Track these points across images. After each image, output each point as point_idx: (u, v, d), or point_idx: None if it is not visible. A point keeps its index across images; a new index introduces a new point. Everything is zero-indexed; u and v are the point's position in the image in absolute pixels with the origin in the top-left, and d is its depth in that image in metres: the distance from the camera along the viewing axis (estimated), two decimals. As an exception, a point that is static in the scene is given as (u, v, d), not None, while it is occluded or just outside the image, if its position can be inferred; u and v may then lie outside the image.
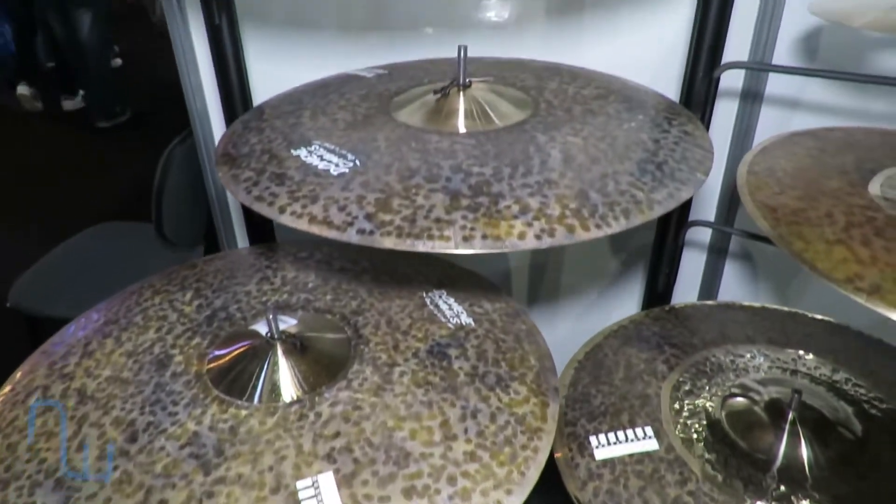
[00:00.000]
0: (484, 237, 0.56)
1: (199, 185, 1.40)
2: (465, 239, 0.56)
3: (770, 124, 1.03)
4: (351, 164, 0.66)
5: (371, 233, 0.57)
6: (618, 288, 1.28)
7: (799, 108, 1.04)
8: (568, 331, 1.32)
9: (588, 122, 0.74)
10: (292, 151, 0.70)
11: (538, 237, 0.56)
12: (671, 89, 0.95)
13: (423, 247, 0.56)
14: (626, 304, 1.25)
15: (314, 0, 1.04)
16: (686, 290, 1.21)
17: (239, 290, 0.85)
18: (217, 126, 1.24)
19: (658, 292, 1.02)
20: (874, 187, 0.78)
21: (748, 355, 0.87)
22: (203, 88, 1.20)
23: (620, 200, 0.61)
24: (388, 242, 0.56)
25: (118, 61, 4.11)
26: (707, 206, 1.17)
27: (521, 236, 0.56)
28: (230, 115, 0.97)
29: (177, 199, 1.39)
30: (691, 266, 1.21)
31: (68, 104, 3.70)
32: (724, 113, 1.02)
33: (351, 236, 0.57)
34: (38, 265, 1.58)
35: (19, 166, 3.14)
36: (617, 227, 0.58)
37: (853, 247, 0.68)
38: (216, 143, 1.28)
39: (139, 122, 3.54)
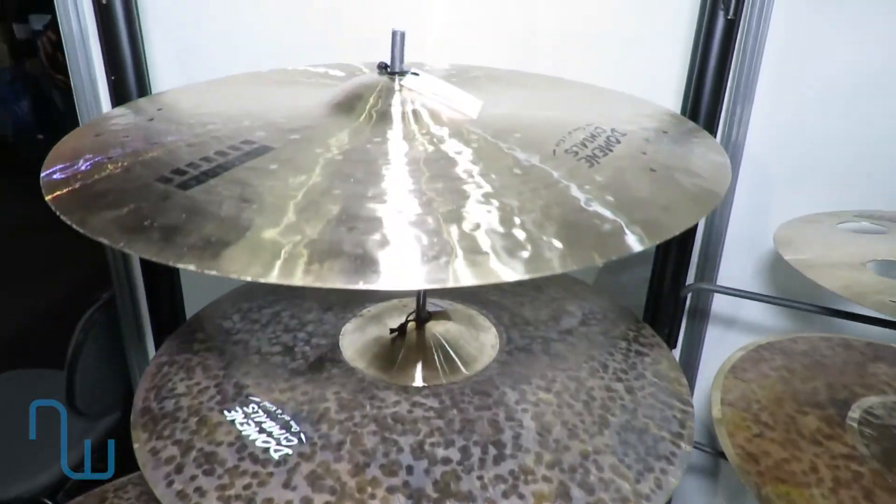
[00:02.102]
0: (454, 572, 0.47)
1: (119, 350, 1.27)
2: (433, 575, 0.47)
3: (716, 337, 1.01)
4: (294, 441, 0.57)
5: (319, 565, 0.47)
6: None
7: (739, 324, 1.03)
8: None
9: (558, 367, 0.68)
10: (226, 414, 0.60)
11: (518, 568, 0.48)
12: (636, 298, 0.91)
13: (382, 588, 0.46)
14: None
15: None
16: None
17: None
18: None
19: None
20: (852, 426, 0.74)
21: None
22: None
23: (605, 498, 0.54)
24: (340, 582, 0.47)
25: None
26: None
27: (498, 567, 0.48)
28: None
29: (93, 368, 1.25)
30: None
31: None
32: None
33: (294, 569, 0.47)
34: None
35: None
36: (605, 543, 0.51)
37: (846, 518, 0.63)
38: (140, 308, 1.17)
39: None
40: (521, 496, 0.53)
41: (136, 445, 0.59)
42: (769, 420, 0.75)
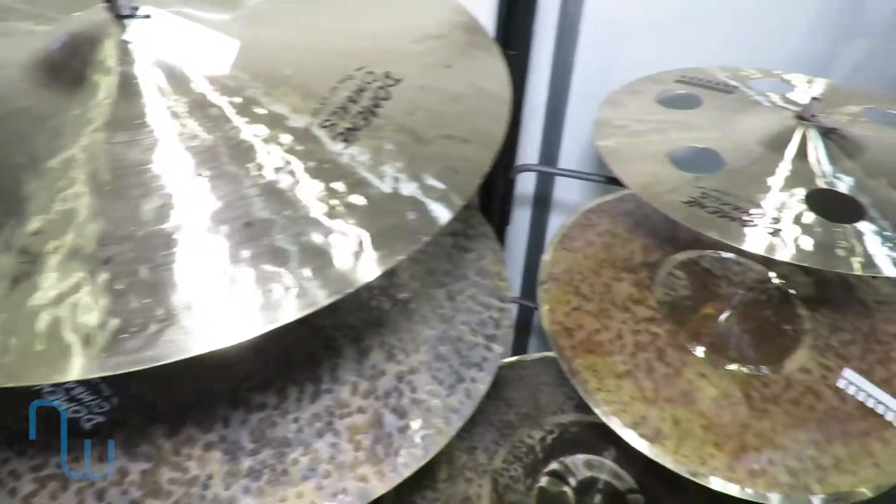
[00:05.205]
0: (272, 519, 0.51)
1: None
2: (250, 527, 0.51)
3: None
4: (107, 406, 0.56)
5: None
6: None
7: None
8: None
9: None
10: (31, 383, 0.58)
11: (331, 505, 0.52)
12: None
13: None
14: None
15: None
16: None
17: None
18: None
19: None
20: (658, 287, 0.82)
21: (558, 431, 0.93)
22: None
23: (416, 419, 0.58)
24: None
25: None
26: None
27: (313, 508, 0.52)
28: None
29: None
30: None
31: None
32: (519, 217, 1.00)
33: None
34: None
35: None
36: (415, 464, 0.56)
37: (639, 379, 0.72)
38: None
39: None
40: (336, 431, 0.56)
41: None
42: (588, 291, 0.80)
